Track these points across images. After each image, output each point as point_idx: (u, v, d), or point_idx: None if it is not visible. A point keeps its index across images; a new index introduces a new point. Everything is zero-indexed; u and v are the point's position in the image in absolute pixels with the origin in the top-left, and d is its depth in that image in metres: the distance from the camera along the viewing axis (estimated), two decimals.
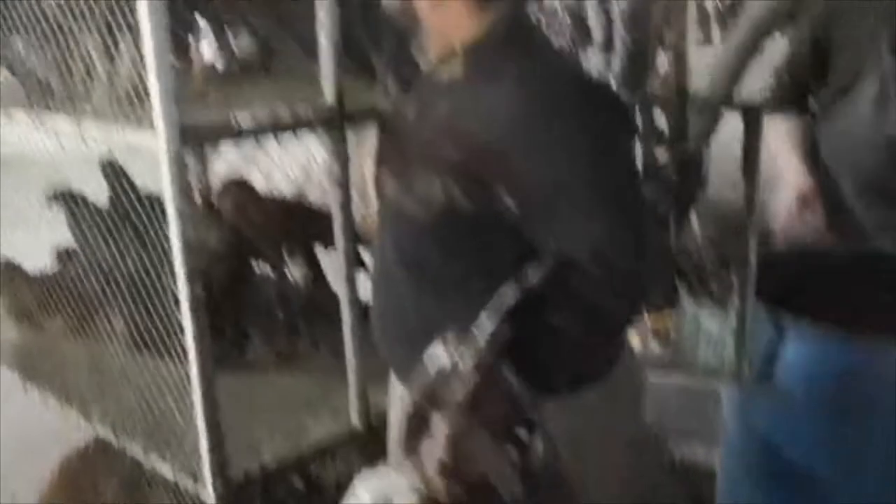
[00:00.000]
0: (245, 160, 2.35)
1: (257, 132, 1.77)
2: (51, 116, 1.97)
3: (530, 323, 1.29)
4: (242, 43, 2.19)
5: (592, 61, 4.40)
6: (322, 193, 2.78)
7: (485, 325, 1.23)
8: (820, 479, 2.03)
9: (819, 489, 2.04)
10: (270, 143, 2.15)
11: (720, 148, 3.16)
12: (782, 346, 2.09)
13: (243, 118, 1.75)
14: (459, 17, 1.48)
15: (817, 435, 2.04)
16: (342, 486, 1.34)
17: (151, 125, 1.66)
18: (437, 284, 1.54)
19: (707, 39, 5.35)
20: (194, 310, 1.74)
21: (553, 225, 1.39)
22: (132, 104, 1.77)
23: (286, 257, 2.55)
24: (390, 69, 1.74)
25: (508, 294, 1.29)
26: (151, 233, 2.20)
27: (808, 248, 2.58)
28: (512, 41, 1.48)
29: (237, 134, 1.75)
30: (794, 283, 2.30)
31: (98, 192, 2.62)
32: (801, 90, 2.41)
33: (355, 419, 2.10)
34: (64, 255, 2.79)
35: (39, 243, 2.83)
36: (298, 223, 2.51)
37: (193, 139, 1.70)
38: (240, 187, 2.61)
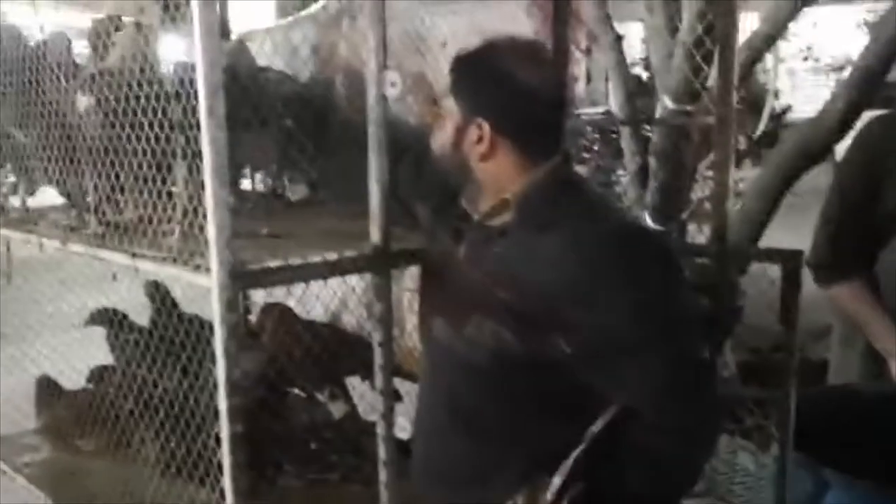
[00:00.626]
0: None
1: (307, 276, 1.81)
2: (107, 250, 2.03)
3: (597, 474, 1.30)
4: (297, 189, 2.26)
5: (626, 186, 4.49)
6: (357, 321, 2.83)
7: (555, 481, 1.24)
8: None
9: None
10: None
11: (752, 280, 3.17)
12: (822, 499, 2.05)
13: (294, 261, 1.79)
14: (510, 170, 1.55)
15: None
16: None
17: (206, 267, 1.70)
18: (488, 429, 1.54)
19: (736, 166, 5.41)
20: (233, 446, 1.75)
21: (609, 372, 1.41)
22: (187, 242, 1.82)
23: (322, 386, 2.57)
24: (438, 215, 1.79)
25: (573, 443, 1.30)
26: (192, 356, 2.24)
27: (848, 389, 2.56)
28: (560, 192, 1.54)
29: (289, 278, 1.79)
30: (834, 427, 2.27)
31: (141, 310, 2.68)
32: (850, 244, 2.42)
33: None
34: (100, 373, 2.82)
35: (76, 359, 2.88)
36: (336, 353, 2.53)
37: (246, 282, 1.74)
38: (281, 313, 2.65)
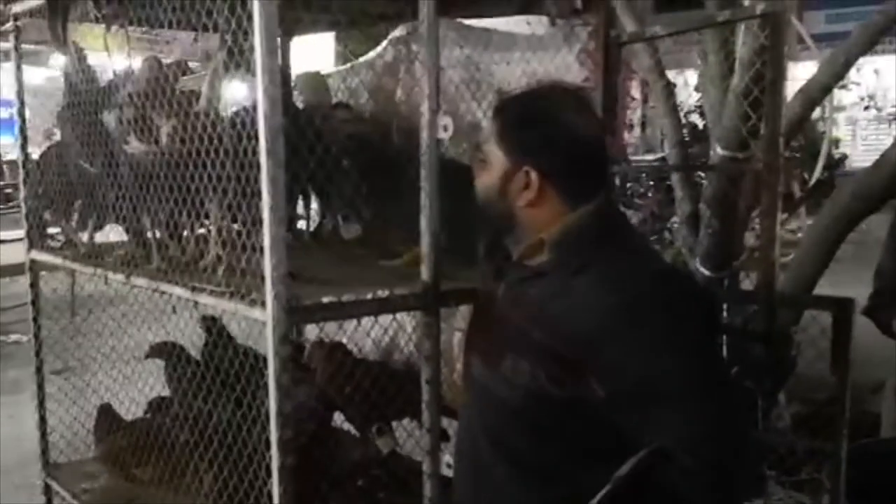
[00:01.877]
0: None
1: (358, 312, 1.87)
2: (168, 284, 2.11)
3: None
4: (351, 228, 2.33)
5: (677, 234, 4.48)
6: (408, 359, 2.86)
7: None
8: None
9: None
10: None
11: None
12: None
13: (346, 297, 1.85)
14: (552, 213, 1.55)
15: None
16: None
17: (262, 301, 1.77)
18: (525, 468, 1.55)
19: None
20: (283, 479, 1.80)
21: (643, 416, 1.41)
22: (244, 278, 1.89)
23: (370, 423, 2.60)
24: (487, 254, 1.82)
25: (600, 485, 1.30)
26: (245, 388, 2.30)
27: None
28: (600, 234, 1.53)
29: (341, 314, 1.84)
30: (886, 480, 2.23)
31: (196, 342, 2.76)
32: None
33: None
34: (157, 405, 2.90)
35: (137, 391, 2.97)
36: (385, 391, 2.57)
37: (300, 317, 1.80)
38: (332, 349, 2.70)
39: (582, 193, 1.54)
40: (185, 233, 2.24)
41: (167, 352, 2.69)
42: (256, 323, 1.96)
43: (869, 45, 3.59)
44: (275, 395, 1.78)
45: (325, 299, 1.85)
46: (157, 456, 2.70)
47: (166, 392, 2.90)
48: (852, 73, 3.80)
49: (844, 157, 7.01)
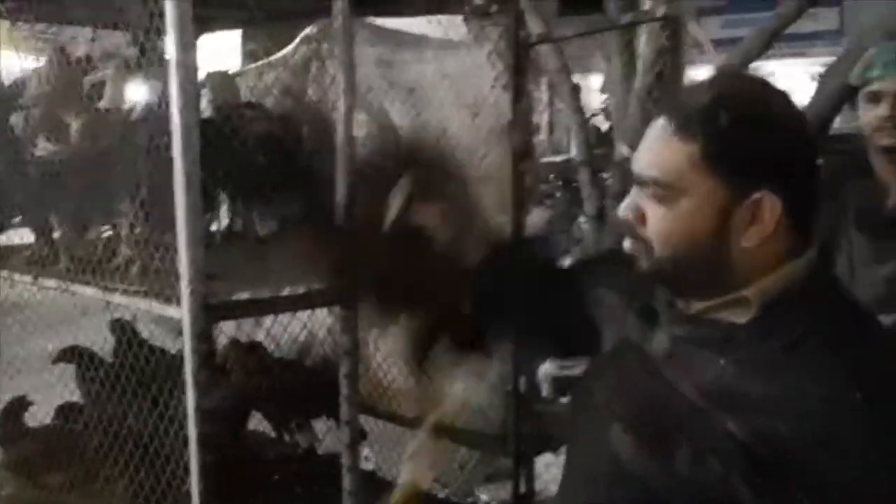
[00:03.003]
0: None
1: (276, 308, 1.88)
2: (78, 284, 2.08)
3: None
4: (267, 225, 2.34)
5: (585, 231, 4.61)
6: (325, 355, 2.87)
7: None
8: None
9: None
10: None
11: None
12: None
13: (264, 295, 1.86)
14: (772, 260, 1.15)
15: None
16: None
17: (178, 300, 1.76)
18: None
19: None
20: (202, 477, 1.79)
21: None
22: (158, 277, 1.88)
23: (287, 421, 2.61)
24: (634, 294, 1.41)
25: None
26: (162, 388, 2.28)
27: None
28: (819, 297, 1.15)
29: (258, 310, 1.85)
30: None
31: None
32: None
33: None
34: (66, 411, 2.83)
35: (43, 397, 2.89)
36: (301, 391, 2.57)
37: (217, 314, 1.80)
38: (249, 349, 2.69)
39: (812, 231, 1.16)
40: (94, 233, 2.21)
41: (77, 356, 2.64)
42: (165, 325, 1.94)
43: (763, 50, 3.77)
44: (192, 394, 1.78)
45: (242, 296, 1.85)
46: (68, 462, 2.64)
47: (76, 398, 2.84)
48: None
49: None
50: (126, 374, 2.49)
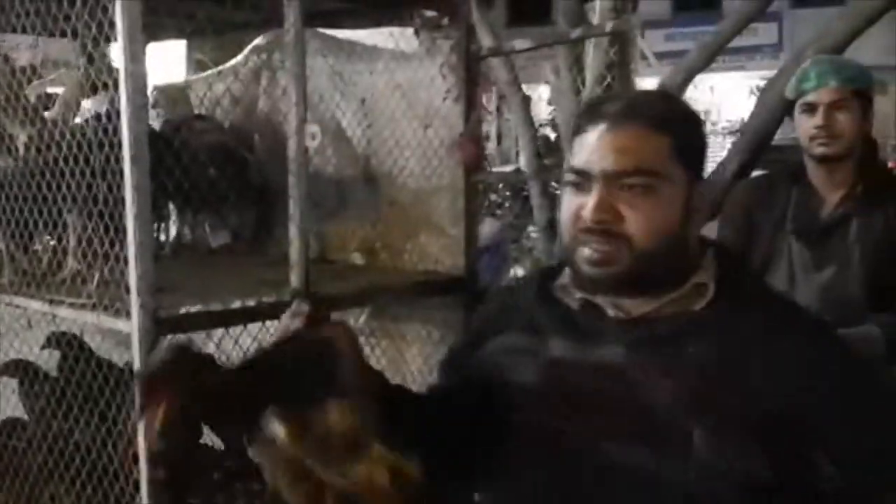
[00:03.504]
0: None
1: (227, 321, 1.86)
2: (23, 297, 2.04)
3: None
4: (219, 236, 2.32)
5: (535, 242, 4.66)
6: None
7: None
8: None
9: None
10: None
11: None
12: None
13: (214, 307, 1.84)
14: (700, 246, 1.25)
15: None
16: None
17: (128, 313, 1.74)
18: None
19: None
20: (152, 493, 1.77)
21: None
22: (106, 289, 1.85)
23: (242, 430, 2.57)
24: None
25: None
26: (109, 404, 2.24)
27: None
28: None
29: (209, 323, 1.83)
30: None
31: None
32: None
33: None
34: (8, 427, 2.76)
35: None
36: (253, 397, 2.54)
37: (167, 327, 1.77)
38: (196, 358, 2.65)
39: None
40: (39, 245, 2.17)
41: (20, 370, 2.57)
42: (112, 338, 1.90)
43: (706, 63, 3.86)
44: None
45: (193, 309, 1.83)
46: (11, 481, 2.58)
47: (19, 413, 2.77)
48: (690, 90, 4.09)
49: None
50: (73, 389, 2.45)
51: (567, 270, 1.24)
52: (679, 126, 1.20)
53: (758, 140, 3.76)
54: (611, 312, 1.21)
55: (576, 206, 1.17)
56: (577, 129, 1.22)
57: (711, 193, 3.76)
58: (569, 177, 1.20)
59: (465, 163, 2.34)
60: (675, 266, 1.19)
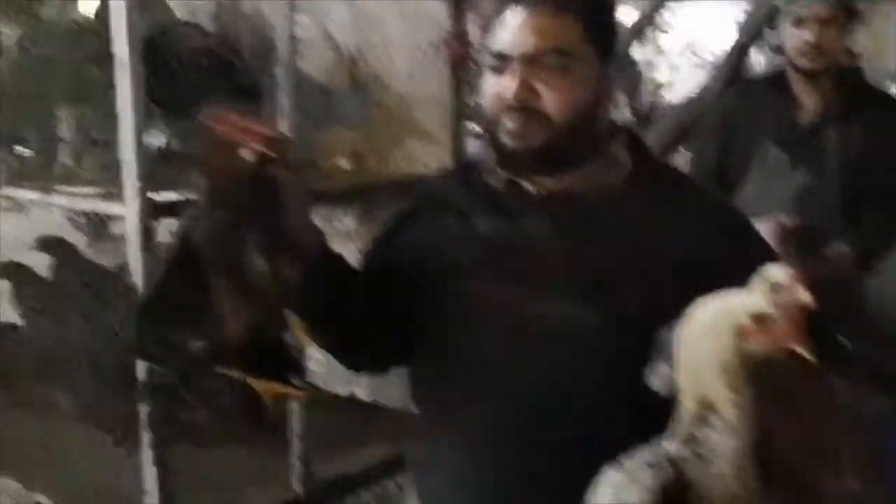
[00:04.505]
0: None
1: None
2: (13, 188, 2.06)
3: None
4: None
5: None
6: None
7: None
8: None
9: None
10: None
11: None
12: None
13: None
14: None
15: None
16: None
17: (121, 198, 1.77)
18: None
19: None
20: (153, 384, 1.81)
21: None
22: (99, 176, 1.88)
23: None
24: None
25: None
26: (103, 306, 2.29)
27: None
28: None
29: None
30: None
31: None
32: None
33: (297, 486, 2.17)
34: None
35: None
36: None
37: (161, 212, 1.81)
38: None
39: None
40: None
41: (12, 272, 2.60)
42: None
43: None
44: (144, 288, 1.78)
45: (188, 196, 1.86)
46: (4, 383, 2.62)
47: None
48: (672, 20, 4.06)
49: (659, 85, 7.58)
50: (64, 292, 2.48)
51: (487, 150, 1.31)
52: (591, 8, 1.27)
53: (742, 56, 3.80)
54: (532, 189, 1.28)
55: (497, 86, 1.24)
56: (496, 12, 1.27)
57: (698, 109, 3.81)
58: (488, 59, 1.26)
59: (451, 61, 2.36)
60: (589, 141, 1.27)
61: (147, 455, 1.85)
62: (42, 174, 2.06)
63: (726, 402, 0.98)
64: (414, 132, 2.55)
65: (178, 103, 2.56)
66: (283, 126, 1.99)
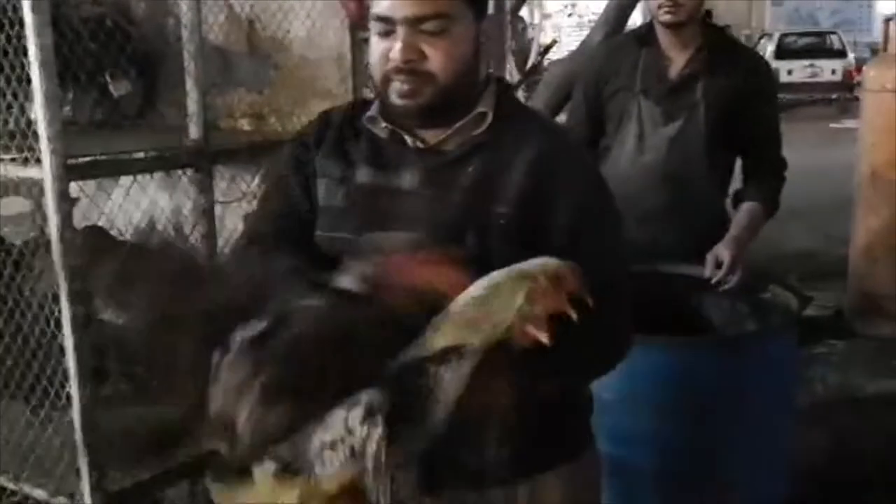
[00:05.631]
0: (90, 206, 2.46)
1: (134, 169, 1.95)
2: None
3: None
4: (120, 85, 2.36)
5: None
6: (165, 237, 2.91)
7: None
8: None
9: None
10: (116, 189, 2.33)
11: None
12: None
13: (123, 156, 1.92)
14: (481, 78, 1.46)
15: None
16: None
17: (37, 159, 1.80)
18: None
19: None
20: (76, 328, 1.86)
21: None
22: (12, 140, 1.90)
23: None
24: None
25: None
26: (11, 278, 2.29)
27: None
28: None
29: (116, 170, 1.92)
30: None
31: None
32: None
33: None
34: None
35: None
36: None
37: (77, 173, 1.85)
38: (94, 231, 2.70)
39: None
40: None
41: None
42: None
43: None
44: (59, 253, 1.83)
45: (100, 157, 1.91)
46: None
47: None
48: None
49: (554, 42, 7.83)
50: None
51: (376, 103, 1.43)
52: None
53: (621, 12, 4.01)
54: (410, 142, 1.41)
55: (384, 48, 1.34)
56: None
57: (580, 62, 4.00)
58: (375, 24, 1.35)
59: (349, 19, 2.44)
60: (467, 97, 1.40)
61: (77, 403, 1.90)
62: None
63: (472, 352, 1.11)
64: (315, 92, 2.62)
65: (75, 73, 2.58)
66: (192, 92, 2.04)
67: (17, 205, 2.80)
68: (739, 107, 2.54)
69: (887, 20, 5.29)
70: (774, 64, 12.93)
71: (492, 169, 1.38)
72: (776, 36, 16.70)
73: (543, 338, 1.14)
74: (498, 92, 1.44)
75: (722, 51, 2.58)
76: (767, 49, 15.29)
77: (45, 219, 2.41)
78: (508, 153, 1.39)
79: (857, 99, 8.56)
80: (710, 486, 2.32)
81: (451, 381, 1.10)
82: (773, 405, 2.41)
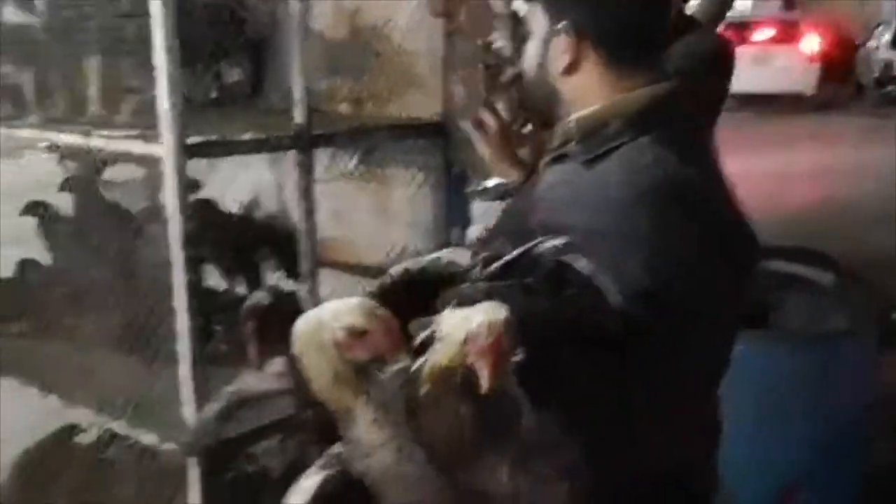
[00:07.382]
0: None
1: (247, 149, 2.12)
2: (53, 132, 2.26)
3: None
4: (234, 74, 2.54)
5: None
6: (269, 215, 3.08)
7: None
8: None
9: None
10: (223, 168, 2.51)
11: None
12: None
13: (234, 137, 2.09)
14: (594, 88, 1.32)
15: None
16: None
17: (157, 139, 1.98)
18: None
19: None
20: (190, 289, 2.03)
21: None
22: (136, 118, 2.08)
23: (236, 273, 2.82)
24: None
25: None
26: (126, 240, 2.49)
27: None
28: (639, 119, 1.28)
29: (228, 151, 2.09)
30: None
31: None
32: None
33: None
34: (25, 266, 2.99)
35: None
36: (252, 242, 2.79)
37: (194, 152, 2.02)
38: (203, 204, 2.89)
39: (642, 70, 1.30)
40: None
41: (40, 210, 2.80)
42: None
43: None
44: (178, 224, 2.00)
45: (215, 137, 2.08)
46: (31, 313, 2.82)
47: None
48: None
49: None
50: (87, 229, 2.68)
51: None
52: None
53: None
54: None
55: None
56: None
57: None
58: None
59: (431, 14, 2.53)
60: (549, 103, 1.38)
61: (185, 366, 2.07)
62: (76, 120, 2.25)
63: (358, 403, 1.08)
64: (410, 80, 2.74)
65: (190, 56, 2.76)
66: (297, 80, 2.18)
67: (125, 172, 3.00)
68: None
69: None
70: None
71: (554, 188, 1.36)
72: (894, 24, 16.34)
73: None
74: (610, 111, 1.34)
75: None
76: (884, 37, 15.10)
77: (155, 189, 2.64)
78: (575, 175, 1.32)
79: None
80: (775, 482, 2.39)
81: (369, 436, 1.08)
82: (847, 406, 2.46)
